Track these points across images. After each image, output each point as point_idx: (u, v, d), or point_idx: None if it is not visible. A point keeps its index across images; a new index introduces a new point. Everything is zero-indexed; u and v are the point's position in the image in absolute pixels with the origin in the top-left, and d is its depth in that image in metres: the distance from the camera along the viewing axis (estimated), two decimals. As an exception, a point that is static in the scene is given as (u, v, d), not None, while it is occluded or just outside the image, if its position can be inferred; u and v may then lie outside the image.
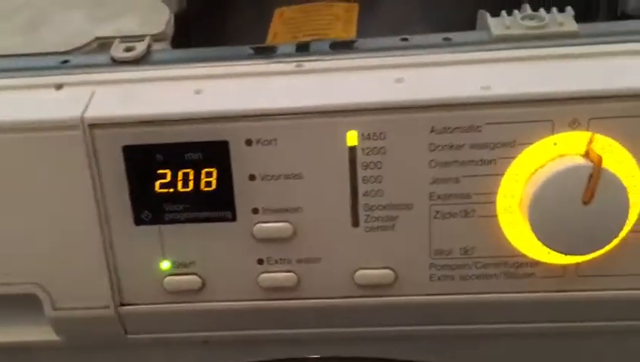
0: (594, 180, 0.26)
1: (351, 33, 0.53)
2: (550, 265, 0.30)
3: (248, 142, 0.28)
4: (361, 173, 0.29)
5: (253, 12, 0.54)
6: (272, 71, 0.30)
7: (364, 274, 0.30)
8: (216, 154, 0.29)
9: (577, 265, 0.30)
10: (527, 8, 0.32)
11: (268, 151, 0.28)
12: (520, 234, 0.29)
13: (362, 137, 0.28)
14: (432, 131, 0.28)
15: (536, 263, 0.30)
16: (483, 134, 0.28)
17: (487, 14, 0.32)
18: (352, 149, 0.28)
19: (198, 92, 0.29)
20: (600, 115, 0.27)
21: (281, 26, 0.55)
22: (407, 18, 0.52)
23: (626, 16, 0.38)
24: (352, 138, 0.28)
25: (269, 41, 0.52)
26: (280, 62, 0.30)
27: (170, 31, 0.36)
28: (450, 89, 0.28)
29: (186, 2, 0.48)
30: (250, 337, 0.33)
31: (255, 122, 0.28)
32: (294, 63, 0.30)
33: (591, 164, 0.27)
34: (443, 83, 0.28)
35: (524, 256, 0.30)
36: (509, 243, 0.29)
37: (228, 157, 0.29)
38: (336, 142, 0.28)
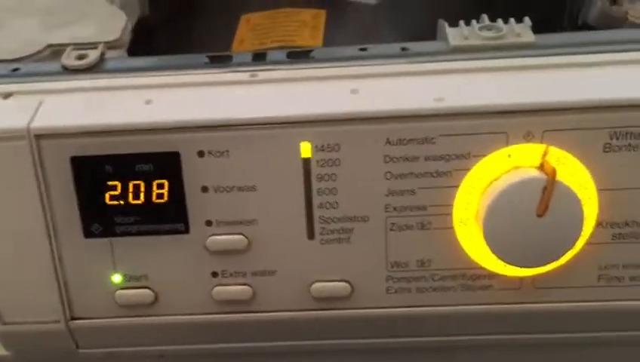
0: (548, 193, 0.26)
1: (318, 40, 0.52)
2: (507, 277, 0.29)
3: (200, 154, 0.28)
4: (315, 185, 0.28)
5: (222, 18, 0.53)
6: (226, 80, 0.29)
7: (320, 287, 0.30)
8: (167, 165, 0.28)
9: (534, 277, 0.29)
10: (485, 19, 0.32)
11: (220, 163, 0.28)
12: (477, 247, 0.29)
13: (316, 149, 0.28)
14: (386, 143, 0.27)
15: (493, 275, 0.29)
16: (437, 146, 0.27)
17: (446, 24, 0.32)
18: (306, 161, 0.28)
19: (148, 102, 0.28)
20: (554, 128, 0.27)
21: (247, 33, 0.54)
22: (376, 26, 0.52)
23: (587, 27, 0.38)
24: (305, 149, 0.28)
25: (235, 47, 0.52)
26: (235, 71, 0.30)
27: (127, 38, 0.35)
28: (404, 100, 0.27)
29: (148, 9, 0.48)
30: (206, 351, 0.32)
31: (207, 133, 0.27)
32: (249, 73, 0.30)
33: (545, 176, 0.26)
34: (397, 94, 0.28)
35: (481, 268, 0.29)
36: (466, 255, 0.29)
37: (179, 169, 0.28)
38: (290, 153, 0.28)
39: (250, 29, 0.55)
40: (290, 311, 0.30)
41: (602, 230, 0.28)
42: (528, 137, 0.27)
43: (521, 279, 0.30)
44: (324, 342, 0.31)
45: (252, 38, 0.54)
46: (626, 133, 0.27)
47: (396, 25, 0.50)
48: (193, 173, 0.28)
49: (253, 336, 0.31)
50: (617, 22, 0.37)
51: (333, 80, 0.29)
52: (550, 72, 0.29)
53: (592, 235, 0.28)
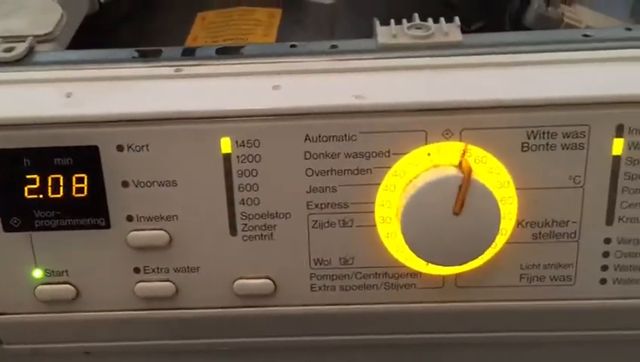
0: (463, 191, 0.26)
1: (271, 38, 0.52)
2: (430, 276, 0.29)
3: (119, 148, 0.28)
4: (236, 180, 0.28)
5: (180, 15, 0.53)
6: (151, 75, 0.29)
7: (244, 284, 0.30)
8: (86, 159, 0.28)
9: (457, 276, 0.29)
10: (416, 18, 0.32)
11: (140, 158, 0.28)
12: (399, 245, 0.29)
13: (236, 145, 0.28)
14: (306, 139, 0.27)
15: (416, 274, 0.29)
16: (358, 143, 0.27)
17: (377, 22, 0.32)
18: (227, 157, 0.28)
19: (69, 95, 0.28)
20: (472, 126, 0.27)
21: (201, 31, 0.54)
22: (331, 25, 0.52)
23: (525, 29, 0.38)
24: (225, 145, 0.28)
25: (188, 44, 0.51)
26: (160, 66, 0.30)
27: (62, 32, 0.35)
28: (324, 97, 0.27)
29: (98, 4, 0.48)
30: (131, 348, 0.32)
31: (125, 127, 0.27)
32: (174, 68, 0.29)
33: (461, 174, 0.27)
34: (319, 91, 0.28)
35: (404, 266, 0.29)
36: (389, 253, 0.29)
37: (99, 163, 0.28)
38: (210, 149, 0.28)
39: (204, 27, 0.55)
40: (214, 308, 0.30)
41: (522, 229, 0.28)
42: (447, 135, 0.27)
43: (444, 278, 0.30)
44: (248, 339, 0.31)
45: (205, 36, 0.54)
46: (544, 133, 0.27)
47: (352, 24, 0.50)
48: (113, 168, 0.28)
49: (177, 333, 0.31)
50: (554, 23, 0.37)
51: (257, 76, 0.29)
52: (474, 71, 0.29)
53: (513, 235, 0.28)
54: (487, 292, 0.30)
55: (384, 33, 0.31)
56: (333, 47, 0.31)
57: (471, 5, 0.52)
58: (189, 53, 0.31)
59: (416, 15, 0.32)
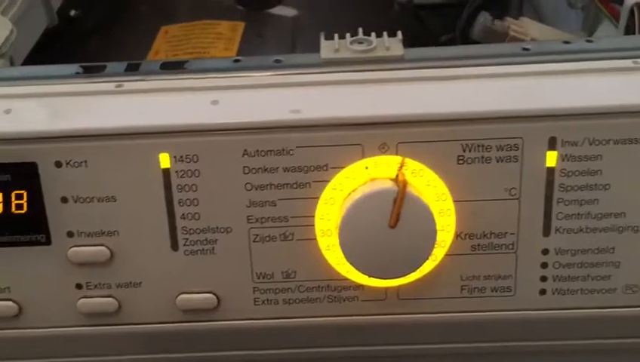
0: (398, 204, 0.27)
1: (232, 52, 0.53)
2: (372, 288, 0.30)
3: (58, 164, 0.28)
4: (176, 195, 0.28)
5: (152, 27, 0.53)
6: (91, 91, 0.29)
7: (186, 299, 0.30)
8: (25, 176, 0.28)
9: (399, 288, 0.30)
10: (360, 32, 0.32)
11: (79, 174, 0.28)
12: (339, 258, 0.29)
13: (175, 160, 0.28)
14: (244, 154, 0.28)
15: (358, 287, 0.30)
16: (295, 157, 0.28)
17: (322, 37, 0.32)
18: (166, 172, 0.28)
19: (7, 111, 0.28)
20: (408, 140, 0.27)
21: (163, 44, 0.54)
22: (292, 37, 0.53)
23: (473, 43, 0.39)
24: (164, 160, 0.28)
25: (150, 58, 0.52)
26: (101, 82, 0.30)
27: (9, 48, 0.35)
28: (261, 112, 0.27)
29: (57, 19, 0.48)
30: (77, 364, 0.32)
31: (63, 143, 0.27)
32: (115, 83, 0.30)
33: (397, 188, 0.27)
34: (257, 106, 0.28)
35: (346, 279, 0.29)
36: (331, 266, 0.29)
37: (38, 180, 0.28)
38: (149, 164, 0.28)
39: (167, 40, 0.55)
40: (157, 323, 0.30)
41: (461, 241, 0.29)
42: (383, 149, 0.28)
43: (386, 290, 0.30)
44: (193, 354, 0.31)
45: (167, 50, 0.54)
46: (478, 146, 0.27)
47: (315, 36, 0.51)
48: (52, 184, 0.28)
49: (121, 349, 0.31)
50: (500, 36, 0.38)
51: (198, 91, 0.29)
52: (413, 85, 0.29)
53: (452, 247, 0.29)
54: (429, 303, 0.30)
55: (327, 48, 0.31)
56: (277, 61, 0.32)
57: (439, 18, 0.53)
58: (132, 69, 0.31)
59: (360, 29, 0.33)
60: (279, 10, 0.57)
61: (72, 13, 0.53)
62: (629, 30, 0.34)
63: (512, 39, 0.37)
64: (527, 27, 0.37)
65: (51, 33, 0.47)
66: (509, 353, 0.31)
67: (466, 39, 0.39)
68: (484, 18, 0.37)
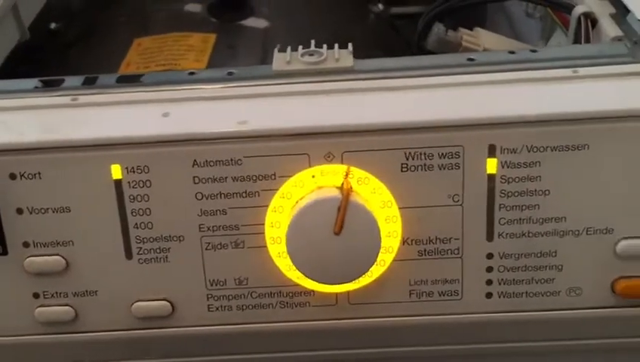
0: (342, 212, 0.27)
1: (202, 63, 0.53)
2: (323, 294, 0.30)
3: (12, 176, 0.28)
4: (129, 205, 0.29)
5: (120, 43, 0.54)
6: (47, 104, 0.30)
7: (142, 306, 0.30)
8: (-20, 188, 0.29)
9: (349, 293, 0.30)
10: (312, 44, 0.33)
11: (33, 185, 0.28)
12: (290, 265, 0.29)
13: (126, 171, 0.28)
14: (194, 165, 0.28)
15: (309, 292, 0.30)
16: (244, 167, 0.28)
17: (276, 49, 0.33)
18: (118, 183, 0.29)
19: (-37, 126, 0.29)
20: (352, 149, 0.28)
21: (135, 56, 0.55)
22: (263, 49, 0.53)
23: (428, 53, 0.40)
24: (116, 171, 0.29)
25: (121, 71, 0.52)
26: (58, 95, 0.31)
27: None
28: (209, 123, 0.28)
29: (29, 33, 0.48)
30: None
31: (17, 156, 0.28)
32: (71, 97, 0.30)
33: (340, 196, 0.28)
34: (206, 117, 0.29)
35: (297, 285, 0.30)
36: (282, 273, 0.30)
37: (-7, 191, 0.29)
38: (102, 175, 0.28)
39: (139, 52, 0.55)
40: (114, 330, 0.31)
41: (408, 247, 0.29)
42: (329, 158, 0.28)
43: (337, 295, 0.30)
44: (149, 361, 0.32)
45: (139, 62, 0.55)
46: (421, 154, 0.28)
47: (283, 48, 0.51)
48: (7, 196, 0.29)
49: (79, 357, 0.31)
50: (454, 47, 0.39)
51: (150, 103, 0.30)
52: (360, 96, 0.30)
53: (399, 252, 0.29)
54: (379, 308, 0.31)
55: (279, 60, 0.32)
56: (230, 73, 0.32)
57: (415, 27, 0.54)
58: (89, 82, 0.32)
59: (312, 42, 0.33)
60: (252, 22, 0.57)
61: (53, 26, 0.54)
62: (578, 39, 0.36)
63: (464, 49, 0.38)
64: (481, 38, 0.38)
65: (32, 47, 0.48)
66: (457, 356, 0.32)
67: (422, 50, 0.40)
68: (437, 29, 0.38)
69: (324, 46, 0.33)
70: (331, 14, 0.58)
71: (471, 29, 0.39)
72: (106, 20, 0.58)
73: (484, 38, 0.37)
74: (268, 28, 0.56)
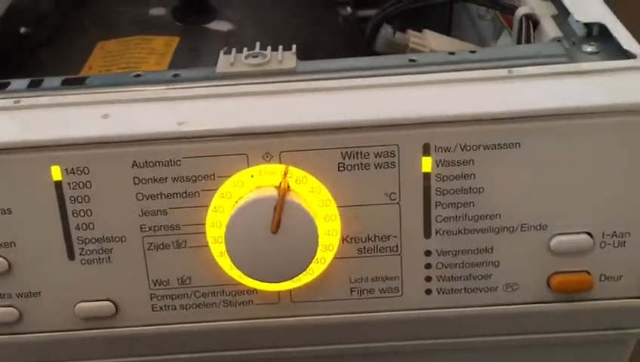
0: (278, 211, 0.28)
1: (163, 66, 0.53)
2: (265, 292, 0.31)
3: (-47, 178, 0.29)
4: (70, 206, 0.29)
5: (84, 46, 0.54)
6: (-11, 107, 0.30)
7: (85, 307, 0.30)
8: None
9: (291, 291, 0.31)
10: (257, 46, 0.33)
11: (-27, 187, 0.29)
12: (232, 264, 0.30)
13: (66, 172, 0.29)
14: (134, 165, 0.29)
15: (252, 291, 0.31)
16: (183, 168, 0.29)
17: (222, 51, 0.33)
18: (58, 184, 0.29)
19: None
20: (290, 149, 0.28)
21: (98, 60, 0.55)
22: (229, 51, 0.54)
23: (376, 54, 0.40)
24: (56, 173, 0.29)
25: (83, 74, 0.52)
26: (2, 98, 0.31)
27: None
28: (148, 124, 0.29)
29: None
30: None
31: (-43, 158, 0.28)
32: (13, 100, 0.31)
33: (276, 195, 0.28)
34: (145, 118, 0.29)
35: (239, 284, 0.30)
36: (224, 272, 0.30)
37: None
38: (42, 177, 0.29)
39: (102, 55, 0.56)
40: (58, 331, 0.31)
41: (348, 245, 0.30)
42: (267, 158, 0.29)
43: (279, 294, 0.31)
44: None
45: (101, 65, 0.55)
46: (357, 153, 0.29)
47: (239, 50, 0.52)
48: (-52, 198, 0.29)
49: (23, 357, 0.31)
50: (402, 48, 0.39)
51: (92, 105, 0.30)
52: (301, 96, 0.30)
53: (339, 250, 0.30)
54: (321, 306, 0.31)
55: (223, 62, 0.33)
56: (175, 75, 0.33)
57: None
58: (34, 85, 0.32)
59: (258, 44, 0.34)
60: (216, 25, 0.58)
61: (22, 30, 0.54)
62: (520, 39, 0.36)
63: (411, 51, 0.38)
64: (427, 39, 0.38)
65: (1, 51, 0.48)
66: (399, 352, 0.33)
67: (371, 51, 0.41)
68: (385, 31, 0.38)
69: (269, 48, 0.33)
70: (298, 17, 0.58)
71: (420, 31, 0.39)
72: (74, 24, 0.58)
73: (430, 39, 0.38)
74: (232, 31, 0.57)
